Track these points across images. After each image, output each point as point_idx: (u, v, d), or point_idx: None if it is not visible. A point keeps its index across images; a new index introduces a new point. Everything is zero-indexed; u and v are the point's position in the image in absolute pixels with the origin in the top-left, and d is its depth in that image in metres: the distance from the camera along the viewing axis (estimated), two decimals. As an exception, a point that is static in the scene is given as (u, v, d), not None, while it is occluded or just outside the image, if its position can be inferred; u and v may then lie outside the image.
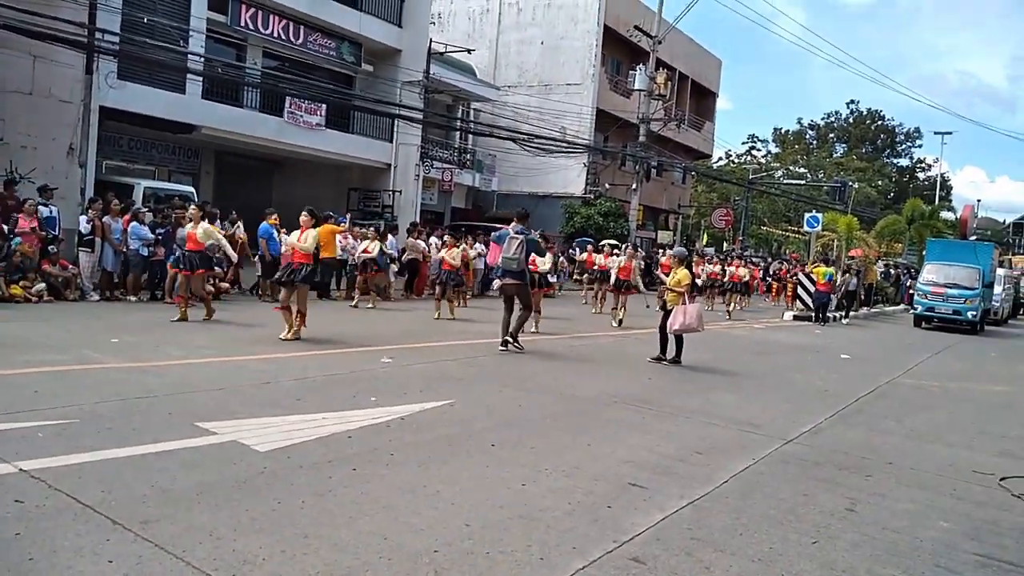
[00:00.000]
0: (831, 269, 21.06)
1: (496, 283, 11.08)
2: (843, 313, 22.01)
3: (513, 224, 10.51)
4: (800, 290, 21.60)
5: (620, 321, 14.84)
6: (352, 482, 4.58)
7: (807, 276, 21.01)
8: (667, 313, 10.15)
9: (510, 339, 10.33)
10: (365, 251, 15.17)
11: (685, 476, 5.27)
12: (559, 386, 8.35)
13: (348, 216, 17.50)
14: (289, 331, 9.77)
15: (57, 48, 13.96)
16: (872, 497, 5.23)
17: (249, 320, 11.76)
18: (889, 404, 9.09)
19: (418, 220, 22.56)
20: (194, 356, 8.34)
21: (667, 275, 11.15)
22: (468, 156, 29.70)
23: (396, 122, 22.70)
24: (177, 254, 11.62)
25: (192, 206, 10.87)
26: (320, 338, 10.24)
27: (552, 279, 16.14)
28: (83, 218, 13.01)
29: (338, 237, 14.58)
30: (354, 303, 14.83)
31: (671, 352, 10.40)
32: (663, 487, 5.00)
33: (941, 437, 7.48)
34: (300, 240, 9.96)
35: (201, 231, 10.86)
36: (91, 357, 7.77)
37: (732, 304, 21.04)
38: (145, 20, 15.65)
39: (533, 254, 11.17)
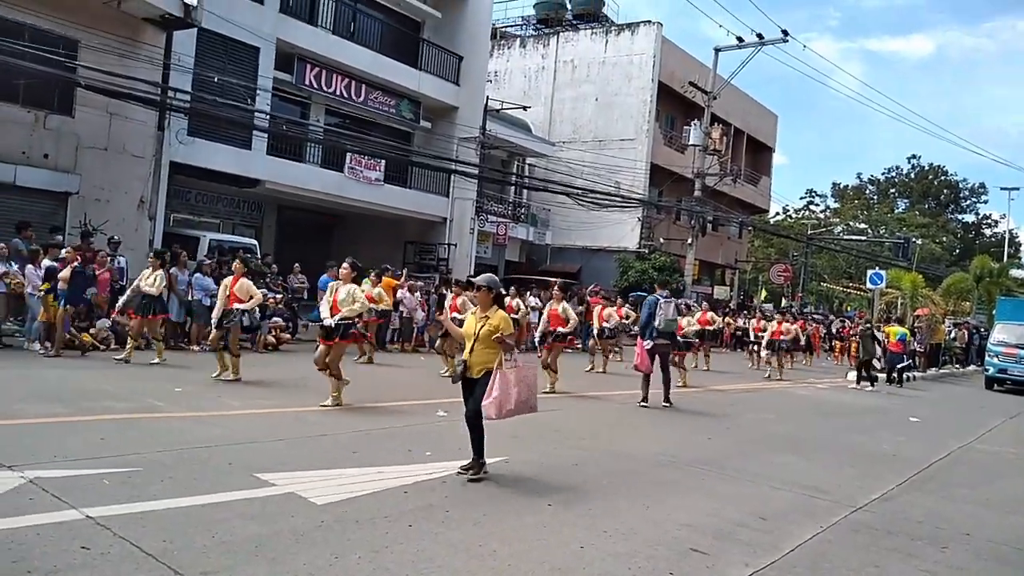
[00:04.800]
0: (904, 329, 20.36)
1: (648, 343, 11.19)
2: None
3: (660, 291, 11.75)
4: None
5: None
6: (408, 538, 4.54)
7: (873, 337, 20.14)
8: (468, 383, 6.24)
9: (666, 402, 11.27)
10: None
11: (749, 543, 5.08)
12: (615, 445, 8.20)
13: (404, 270, 17.74)
14: None
15: (132, 106, 14.63)
16: (950, 571, 4.96)
17: (308, 372, 11.89)
18: (963, 471, 8.70)
19: (472, 273, 22.72)
20: (253, 407, 8.45)
21: (458, 319, 9.39)
22: (523, 210, 29.95)
23: (452, 177, 23.07)
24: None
25: (236, 261, 10.95)
26: (376, 391, 10.29)
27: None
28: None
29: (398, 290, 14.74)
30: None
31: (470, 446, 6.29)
32: (726, 554, 4.83)
33: (1020, 508, 7.10)
34: None
35: (238, 287, 10.33)
36: (155, 406, 7.93)
37: (777, 362, 18.60)
38: (215, 79, 16.31)
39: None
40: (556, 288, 12.96)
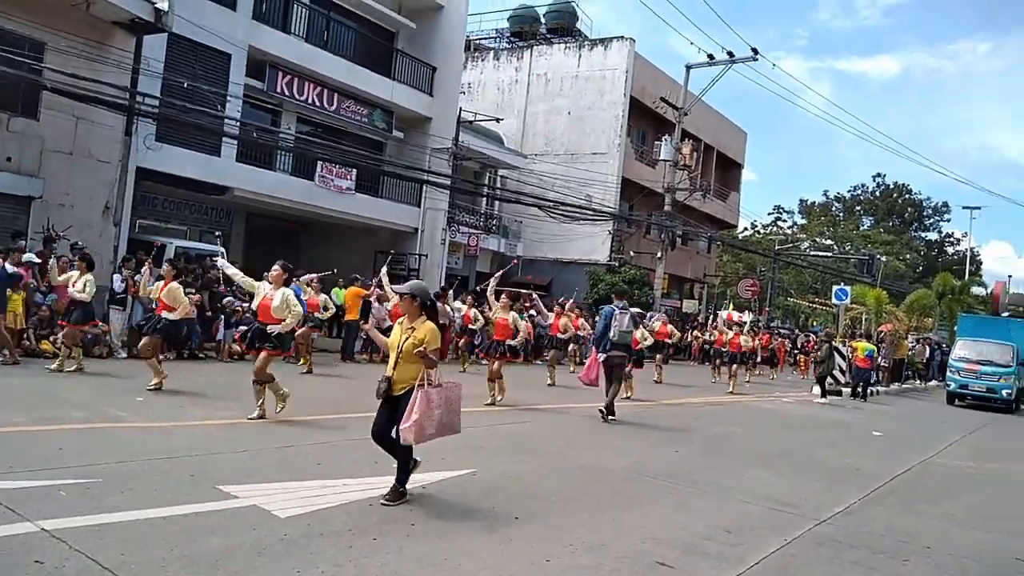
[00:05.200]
0: (871, 345, 20.70)
1: (602, 355, 10.95)
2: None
3: (616, 301, 11.42)
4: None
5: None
6: (372, 552, 4.49)
7: (836, 350, 20.47)
8: (391, 400, 5.62)
9: (605, 410, 10.82)
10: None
11: (715, 556, 5.10)
12: (583, 457, 8.21)
13: (375, 280, 17.61)
14: None
15: (99, 110, 14.40)
16: (911, 584, 5.02)
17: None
18: (924, 485, 8.83)
19: (443, 283, 22.66)
20: (217, 417, 8.32)
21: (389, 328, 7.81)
22: (494, 222, 29.98)
23: (424, 187, 23.02)
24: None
25: (166, 264, 10.26)
26: (343, 402, 10.20)
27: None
28: (116, 276, 13.22)
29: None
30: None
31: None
32: (692, 567, 4.84)
33: (980, 522, 7.21)
34: None
35: (167, 292, 9.73)
36: (116, 415, 7.78)
37: (731, 374, 18.32)
38: (185, 85, 16.12)
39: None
40: (504, 296, 12.31)
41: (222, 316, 14.19)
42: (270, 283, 8.58)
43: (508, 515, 5.57)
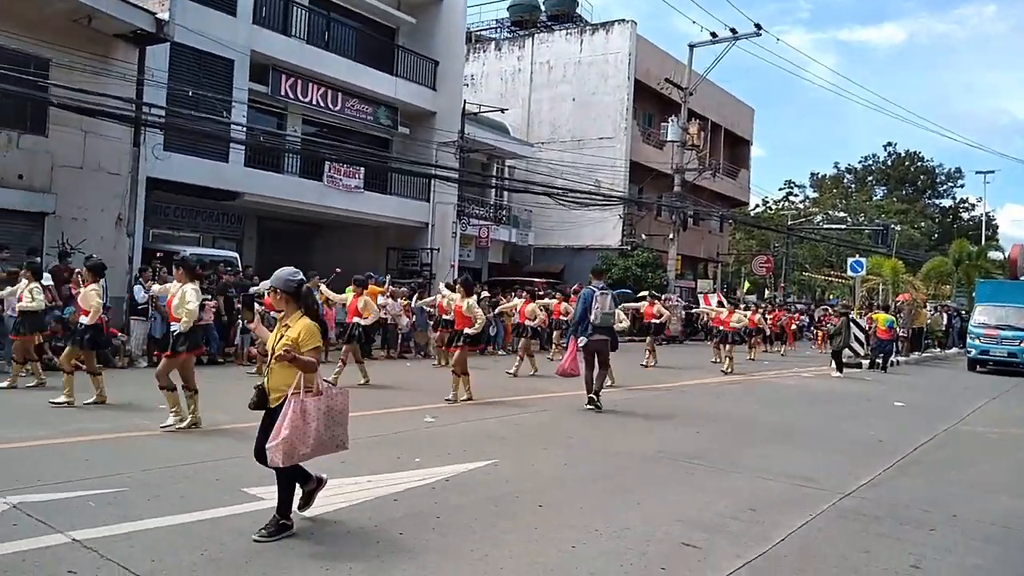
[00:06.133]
0: (892, 316, 20.58)
1: (583, 340, 10.29)
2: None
3: (595, 281, 10.67)
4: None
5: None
6: (399, 547, 4.53)
7: (855, 323, 20.31)
8: (269, 412, 4.79)
9: (594, 398, 10.32)
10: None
11: (740, 534, 5.11)
12: (604, 443, 8.22)
13: (388, 276, 17.69)
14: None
15: (106, 123, 14.51)
16: (938, 553, 5.00)
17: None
18: (949, 453, 8.78)
19: (456, 276, 22.66)
20: (240, 421, 8.33)
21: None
22: (504, 212, 29.96)
23: (433, 181, 23.05)
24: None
25: (84, 268, 9.37)
26: (363, 398, 10.24)
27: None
28: (138, 288, 13.35)
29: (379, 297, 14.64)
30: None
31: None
32: (717, 547, 4.85)
33: (1006, 487, 7.17)
34: None
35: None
36: (139, 424, 7.87)
37: (728, 357, 17.32)
38: (190, 93, 16.20)
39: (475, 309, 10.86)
40: (459, 284, 11.33)
41: (239, 321, 14.26)
42: (177, 281, 8.17)
43: (532, 504, 5.59)
